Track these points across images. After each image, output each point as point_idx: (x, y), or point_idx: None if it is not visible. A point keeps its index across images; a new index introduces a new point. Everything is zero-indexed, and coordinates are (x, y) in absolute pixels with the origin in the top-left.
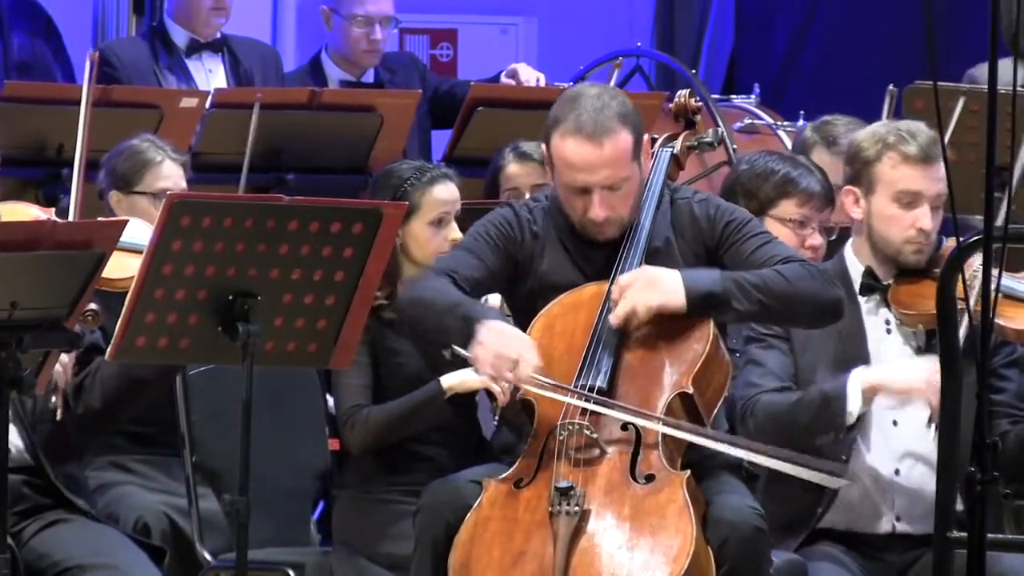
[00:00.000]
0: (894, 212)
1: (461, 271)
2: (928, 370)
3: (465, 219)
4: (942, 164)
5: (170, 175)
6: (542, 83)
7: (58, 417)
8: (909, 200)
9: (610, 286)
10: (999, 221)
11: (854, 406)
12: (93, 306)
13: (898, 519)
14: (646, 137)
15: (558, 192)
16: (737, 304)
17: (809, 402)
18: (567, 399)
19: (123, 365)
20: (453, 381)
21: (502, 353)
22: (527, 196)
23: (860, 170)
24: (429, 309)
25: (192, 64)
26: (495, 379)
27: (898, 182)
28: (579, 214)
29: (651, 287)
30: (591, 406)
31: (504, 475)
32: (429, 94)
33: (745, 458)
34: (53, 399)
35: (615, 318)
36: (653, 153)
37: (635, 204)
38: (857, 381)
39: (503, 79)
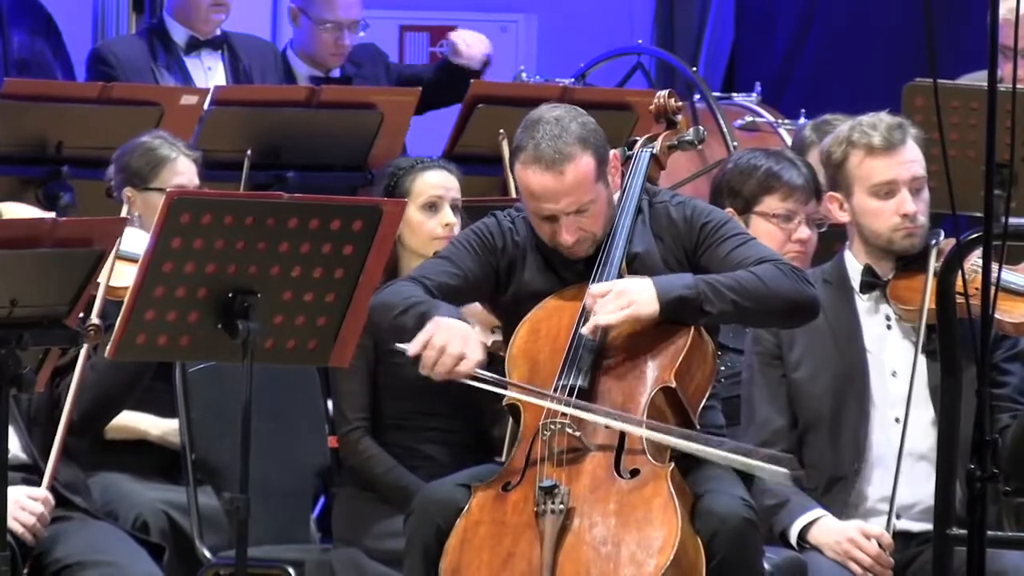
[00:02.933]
0: (875, 206)
1: (433, 277)
2: (848, 541)
3: (468, 217)
4: (911, 146)
5: (184, 171)
6: (484, 49)
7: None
8: (886, 191)
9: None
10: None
11: (791, 538)
12: (96, 320)
13: (898, 517)
14: (613, 153)
15: (528, 217)
16: (710, 307)
17: (765, 507)
18: (537, 401)
19: (94, 378)
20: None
21: (445, 348)
22: None
23: (834, 175)
24: (388, 310)
25: (191, 62)
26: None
27: (870, 176)
28: (548, 239)
29: (622, 299)
30: (558, 406)
31: (492, 479)
32: (393, 83)
33: (722, 462)
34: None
35: (587, 330)
36: (631, 156)
37: (607, 221)
38: (798, 527)
39: (441, 52)
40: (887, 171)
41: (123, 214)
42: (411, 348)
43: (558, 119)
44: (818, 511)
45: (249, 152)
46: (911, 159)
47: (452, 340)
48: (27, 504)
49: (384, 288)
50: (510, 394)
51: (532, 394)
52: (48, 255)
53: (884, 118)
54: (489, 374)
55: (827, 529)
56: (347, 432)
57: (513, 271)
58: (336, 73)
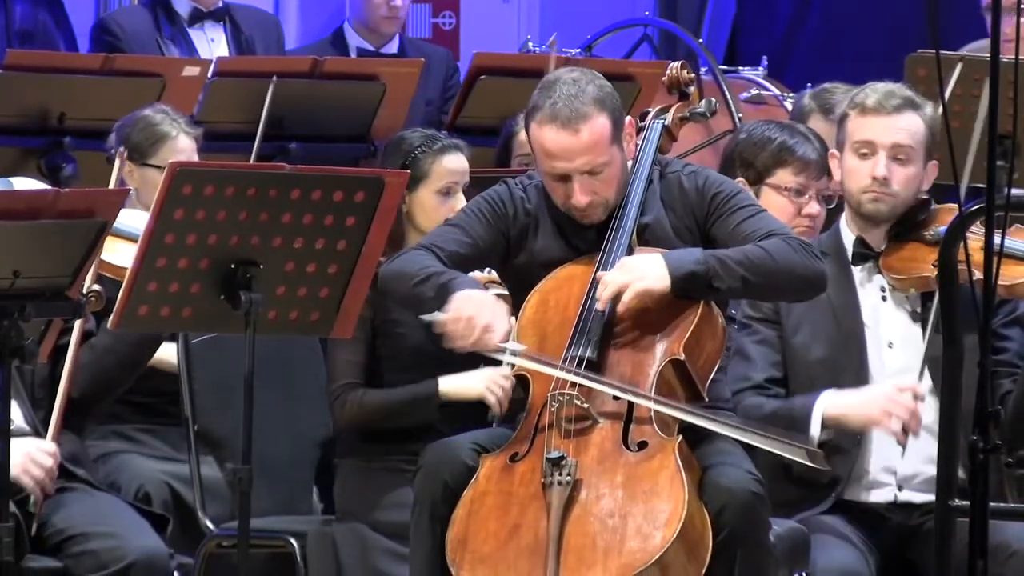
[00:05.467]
0: (854, 164)
1: (445, 246)
2: (885, 398)
3: (472, 188)
4: (908, 116)
5: (184, 150)
6: None
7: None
8: (865, 150)
9: (598, 264)
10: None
11: (815, 431)
12: (97, 287)
13: (900, 488)
14: (628, 119)
15: (542, 178)
16: (720, 282)
17: (779, 418)
18: (552, 371)
19: (93, 358)
20: (450, 388)
21: (472, 320)
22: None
23: (837, 134)
24: (404, 279)
25: (195, 33)
26: (494, 386)
27: (855, 133)
28: (561, 200)
29: (633, 273)
30: (567, 375)
31: (500, 450)
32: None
33: (728, 435)
34: (32, 499)
35: (600, 303)
36: (643, 127)
37: (620, 186)
38: (820, 409)
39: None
40: (868, 130)
41: (114, 174)
42: (440, 319)
43: (575, 80)
44: (826, 391)
45: (263, 122)
46: (901, 127)
47: (480, 312)
48: (38, 457)
49: (397, 257)
50: (524, 363)
51: (555, 367)
52: (50, 226)
53: (892, 85)
54: (515, 345)
55: (850, 399)
56: (337, 395)
57: (524, 239)
58: (391, 48)
